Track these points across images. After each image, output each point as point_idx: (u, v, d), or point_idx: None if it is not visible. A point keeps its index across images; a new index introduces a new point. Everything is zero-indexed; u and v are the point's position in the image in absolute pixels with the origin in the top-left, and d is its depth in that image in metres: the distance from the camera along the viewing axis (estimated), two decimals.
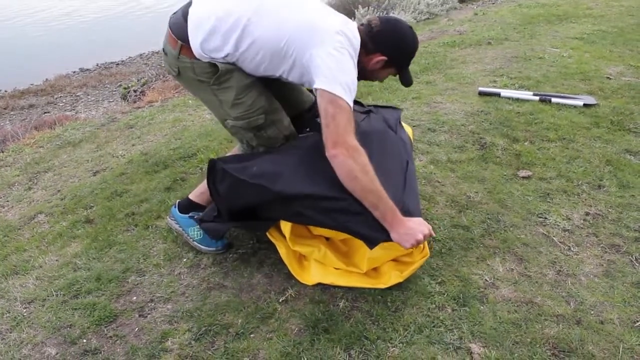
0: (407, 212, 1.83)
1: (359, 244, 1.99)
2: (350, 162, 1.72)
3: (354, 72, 1.81)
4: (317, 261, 2.02)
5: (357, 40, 1.87)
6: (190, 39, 1.92)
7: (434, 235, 1.94)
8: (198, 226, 2.27)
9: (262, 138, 2.08)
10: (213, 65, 1.93)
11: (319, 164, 1.88)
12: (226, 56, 1.90)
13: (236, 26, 1.85)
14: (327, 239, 2.12)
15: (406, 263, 1.99)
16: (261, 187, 1.89)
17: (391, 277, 1.95)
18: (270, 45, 1.86)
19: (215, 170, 2.04)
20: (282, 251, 2.03)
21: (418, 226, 1.79)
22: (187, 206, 2.33)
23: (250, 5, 1.87)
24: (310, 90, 2.51)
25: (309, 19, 1.85)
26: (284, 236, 2.02)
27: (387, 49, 1.94)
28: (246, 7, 1.87)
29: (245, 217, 2.06)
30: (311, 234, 2.11)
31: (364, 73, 1.96)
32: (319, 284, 1.99)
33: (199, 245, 2.28)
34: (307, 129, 2.21)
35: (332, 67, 1.76)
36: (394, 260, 2.01)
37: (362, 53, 1.90)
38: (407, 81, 2.10)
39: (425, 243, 2.00)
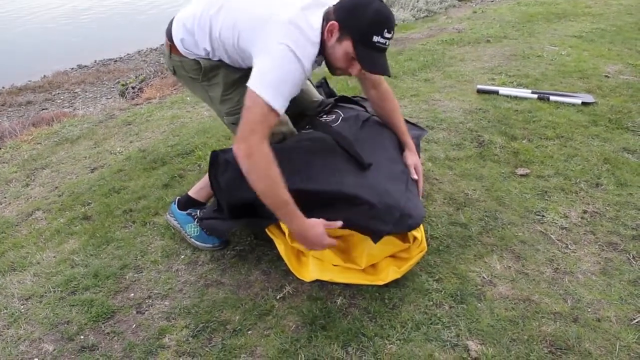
0: (410, 217, 1.86)
1: (357, 241, 1.99)
2: (248, 162, 1.66)
3: (290, 69, 1.66)
4: (315, 257, 2.02)
5: (312, 28, 1.70)
6: (173, 37, 1.96)
7: (333, 244, 1.84)
8: (195, 223, 2.27)
9: None
10: (198, 62, 1.94)
11: (319, 159, 1.90)
12: (207, 54, 1.91)
13: (205, 25, 1.85)
14: None
15: (404, 259, 2.00)
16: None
17: (389, 273, 1.95)
18: (230, 43, 1.83)
19: (218, 162, 2.04)
20: (280, 247, 2.03)
21: (315, 238, 1.78)
22: (186, 203, 2.33)
23: (217, 2, 1.84)
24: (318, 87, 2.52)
25: (261, 13, 1.72)
26: (282, 232, 2.01)
27: (339, 12, 1.70)
28: (213, 4, 1.85)
29: (246, 213, 2.04)
30: None
31: (327, 56, 1.78)
32: (317, 280, 1.99)
33: (196, 242, 2.28)
34: (308, 126, 2.21)
35: (261, 62, 1.68)
36: (392, 256, 2.01)
37: (325, 29, 1.71)
38: (367, 63, 1.74)
39: (423, 238, 2.00)
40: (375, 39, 1.67)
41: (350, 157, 1.97)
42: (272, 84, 1.65)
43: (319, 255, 2.02)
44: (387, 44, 1.71)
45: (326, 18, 1.72)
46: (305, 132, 2.18)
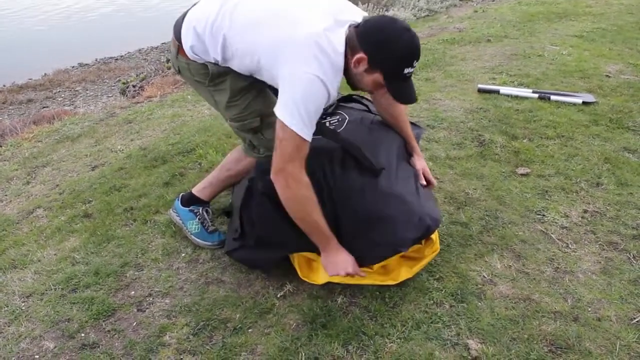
0: (434, 221, 1.89)
1: None
2: (287, 191, 1.72)
3: (318, 98, 1.64)
4: None
5: (337, 52, 1.65)
6: (182, 41, 1.90)
7: (360, 274, 1.86)
8: (197, 219, 2.28)
9: (261, 140, 2.05)
10: (206, 67, 1.90)
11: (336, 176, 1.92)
12: (216, 62, 1.87)
13: (217, 37, 1.79)
14: None
15: (415, 258, 2.00)
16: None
17: (401, 272, 1.95)
18: (247, 61, 1.79)
19: (254, 193, 1.99)
20: (291, 256, 2.03)
21: (343, 263, 1.83)
22: (189, 199, 2.33)
23: (228, 14, 1.78)
24: None
25: (283, 33, 1.67)
26: None
27: (368, 46, 1.65)
28: (225, 14, 1.78)
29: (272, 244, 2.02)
30: None
31: (350, 77, 1.76)
32: None
33: (196, 239, 2.28)
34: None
35: (288, 91, 1.65)
36: (403, 256, 2.00)
37: (349, 54, 1.68)
38: (399, 95, 1.78)
39: (437, 238, 2.01)
40: (406, 70, 1.67)
41: (362, 167, 1.94)
42: (303, 116, 1.63)
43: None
44: (411, 73, 1.70)
45: (350, 44, 1.67)
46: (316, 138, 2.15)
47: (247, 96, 1.95)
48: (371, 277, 1.97)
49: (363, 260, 1.89)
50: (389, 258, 1.91)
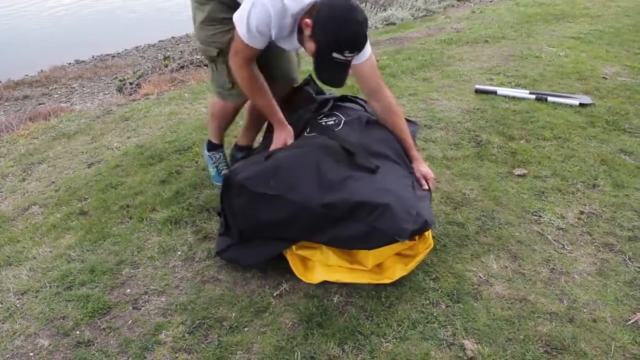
0: (430, 218, 1.89)
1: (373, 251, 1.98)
2: (234, 72, 2.11)
3: (259, 16, 1.88)
4: (321, 262, 2.01)
5: (302, 2, 1.85)
6: None
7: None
8: (212, 163, 2.66)
9: (214, 73, 2.36)
10: None
11: (332, 167, 1.93)
12: None
13: None
14: None
15: (409, 256, 2.00)
16: (279, 199, 1.90)
17: (396, 270, 1.95)
18: None
19: (231, 185, 2.02)
20: (286, 255, 2.03)
21: (281, 139, 2.18)
22: (208, 145, 2.67)
23: None
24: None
25: None
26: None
27: (317, 16, 1.81)
28: None
29: (257, 235, 2.04)
30: None
31: (299, 35, 1.95)
32: None
33: (213, 181, 2.68)
34: (309, 130, 2.21)
35: (243, 7, 1.92)
36: (397, 254, 2.01)
37: (306, 15, 1.85)
38: (318, 73, 1.92)
39: (429, 234, 2.00)
40: (335, 55, 1.80)
41: (357, 164, 1.96)
42: (247, 26, 1.91)
43: (324, 260, 2.00)
44: (347, 60, 1.83)
45: (311, 9, 1.85)
46: (308, 135, 2.18)
47: (218, 27, 2.21)
48: (367, 276, 1.97)
49: (358, 244, 1.90)
50: (382, 248, 1.92)
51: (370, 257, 1.96)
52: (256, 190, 1.94)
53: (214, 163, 2.65)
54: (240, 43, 1.99)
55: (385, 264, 1.99)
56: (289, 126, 2.22)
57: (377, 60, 4.52)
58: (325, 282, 1.98)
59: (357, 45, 1.83)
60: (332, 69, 1.87)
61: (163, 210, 2.54)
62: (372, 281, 1.96)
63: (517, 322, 1.79)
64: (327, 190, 1.88)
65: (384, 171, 1.97)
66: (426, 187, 2.06)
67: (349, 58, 1.83)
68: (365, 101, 2.36)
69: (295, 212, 1.89)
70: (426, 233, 1.98)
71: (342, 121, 2.19)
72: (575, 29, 5.25)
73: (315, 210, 1.86)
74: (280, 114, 2.22)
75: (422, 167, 2.13)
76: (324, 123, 2.21)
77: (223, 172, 2.60)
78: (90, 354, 1.78)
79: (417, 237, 1.97)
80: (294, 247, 2.00)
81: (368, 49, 2.05)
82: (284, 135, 2.20)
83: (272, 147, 2.17)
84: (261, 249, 2.05)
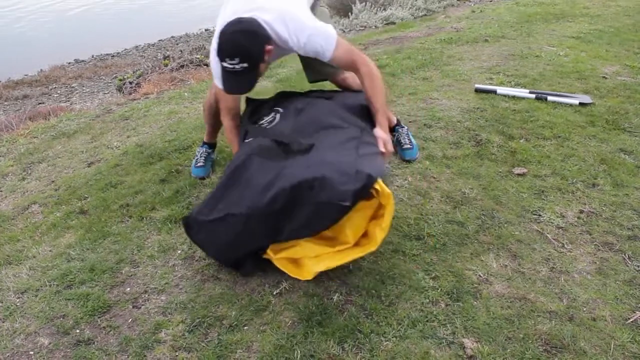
0: (375, 170, 1.88)
1: (348, 225, 1.99)
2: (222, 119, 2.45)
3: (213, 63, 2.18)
4: (308, 257, 2.02)
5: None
6: None
7: None
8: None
9: None
10: None
11: (267, 166, 1.98)
12: None
13: None
14: None
15: (381, 215, 1.96)
16: (229, 216, 1.95)
17: (376, 235, 1.94)
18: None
19: (190, 226, 2.09)
20: (274, 261, 2.04)
21: None
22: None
23: None
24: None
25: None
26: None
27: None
28: None
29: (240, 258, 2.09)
30: None
31: None
32: (314, 276, 2.00)
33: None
34: (247, 137, 2.27)
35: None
36: (373, 219, 1.99)
37: None
38: (218, 76, 2.16)
39: (382, 185, 1.91)
40: (222, 64, 2.00)
41: (291, 150, 2.03)
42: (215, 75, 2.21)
43: (308, 253, 2.01)
44: (234, 68, 1.98)
45: None
46: (246, 142, 2.21)
47: None
48: (353, 252, 1.97)
49: (316, 226, 1.93)
50: (355, 219, 1.94)
51: (348, 232, 1.98)
52: (209, 218, 1.99)
53: (194, 156, 2.90)
54: (219, 90, 2.23)
55: (367, 233, 2.00)
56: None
57: (377, 60, 4.53)
58: (324, 281, 1.99)
59: (233, 53, 1.97)
60: (227, 78, 2.05)
61: (163, 209, 2.54)
62: (360, 254, 1.96)
63: (516, 320, 1.79)
64: (266, 189, 1.90)
65: (323, 143, 2.01)
66: (383, 149, 2.08)
67: (235, 67, 1.98)
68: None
69: (246, 222, 1.93)
70: (378, 187, 1.90)
71: (279, 114, 2.27)
72: (575, 29, 5.25)
73: (262, 211, 1.89)
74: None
75: (378, 132, 2.15)
76: (259, 125, 2.28)
77: (198, 164, 2.84)
78: (90, 352, 1.78)
79: (375, 193, 1.92)
80: (272, 253, 2.01)
81: (327, 49, 2.14)
82: None
83: None
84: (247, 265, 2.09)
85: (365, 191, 1.85)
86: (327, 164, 1.89)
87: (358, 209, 1.92)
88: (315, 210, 1.86)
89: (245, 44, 1.99)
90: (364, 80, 2.23)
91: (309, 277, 1.98)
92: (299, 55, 2.45)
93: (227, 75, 2.03)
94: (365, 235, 2.01)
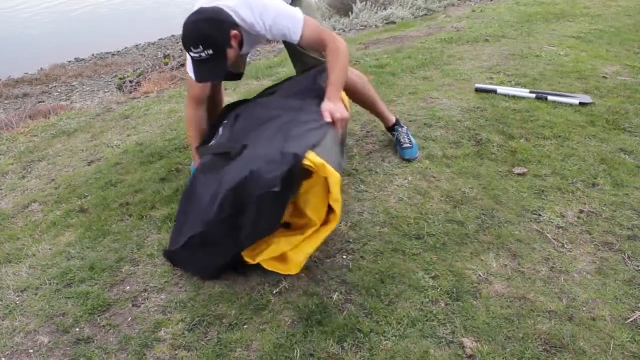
0: (301, 148, 1.88)
1: (296, 210, 2.05)
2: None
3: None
4: (290, 251, 2.03)
5: None
6: None
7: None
8: None
9: None
10: None
11: (209, 180, 2.02)
12: None
13: None
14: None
15: (327, 182, 1.96)
16: (193, 238, 1.99)
17: (335, 209, 1.96)
18: None
19: (170, 259, 2.16)
20: (262, 264, 2.05)
21: None
22: None
23: None
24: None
25: None
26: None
27: None
28: None
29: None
30: None
31: None
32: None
33: None
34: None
35: None
36: (328, 192, 1.97)
37: None
38: (190, 67, 2.24)
39: (312, 157, 1.91)
40: (189, 54, 2.06)
41: (229, 157, 2.05)
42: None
43: (285, 247, 2.02)
44: (201, 57, 2.03)
45: None
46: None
47: None
48: (324, 230, 2.01)
49: (264, 222, 1.95)
50: (311, 198, 1.98)
51: (311, 215, 2.01)
52: (179, 245, 2.05)
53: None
54: (190, 79, 2.28)
55: (324, 208, 2.02)
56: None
57: (377, 59, 4.53)
58: (324, 280, 2.00)
59: (193, 42, 2.02)
60: (196, 67, 2.11)
61: (163, 208, 2.54)
62: (330, 229, 1.98)
63: (516, 320, 1.79)
64: (213, 200, 1.93)
65: (257, 140, 2.05)
66: (329, 119, 2.08)
67: (201, 54, 2.02)
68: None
69: (206, 238, 1.98)
70: (308, 161, 1.89)
71: (221, 128, 2.29)
72: (576, 28, 5.25)
73: (215, 222, 1.93)
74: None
75: (325, 104, 2.14)
76: (208, 144, 2.31)
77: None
78: (90, 350, 1.78)
79: (315, 170, 1.91)
80: (249, 259, 2.02)
81: (294, 32, 2.15)
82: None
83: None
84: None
85: (295, 171, 1.87)
86: (257, 158, 1.93)
87: (308, 190, 1.97)
88: (258, 205, 1.88)
89: (207, 31, 2.02)
90: (328, 55, 2.23)
91: (297, 270, 1.99)
92: (286, 48, 2.52)
93: (196, 64, 2.08)
94: (328, 213, 2.02)
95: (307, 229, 2.03)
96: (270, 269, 2.04)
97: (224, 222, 1.93)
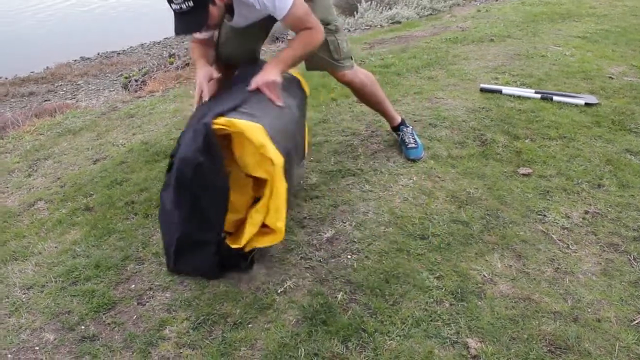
0: (205, 125, 1.93)
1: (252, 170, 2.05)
2: None
3: None
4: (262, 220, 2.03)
5: None
6: None
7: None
8: None
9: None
10: None
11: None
12: None
13: None
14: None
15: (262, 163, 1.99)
16: (176, 252, 2.07)
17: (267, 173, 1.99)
18: None
19: (177, 272, 2.16)
20: (254, 244, 2.05)
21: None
22: None
23: None
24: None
25: None
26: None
27: None
28: None
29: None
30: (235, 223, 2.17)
31: None
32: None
33: None
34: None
35: None
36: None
37: None
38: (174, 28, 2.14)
39: (236, 122, 1.97)
40: (170, 4, 1.99)
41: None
42: None
43: (260, 219, 2.01)
44: (181, 9, 1.98)
45: None
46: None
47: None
48: (279, 187, 1.98)
49: (219, 198, 1.99)
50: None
51: (257, 172, 2.00)
52: (173, 261, 2.11)
53: None
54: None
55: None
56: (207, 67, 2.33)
57: (382, 59, 4.53)
58: (328, 279, 2.01)
59: None
60: (176, 20, 2.04)
61: None
62: (279, 175, 1.97)
63: (521, 321, 1.79)
64: (173, 205, 2.04)
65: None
66: (252, 87, 2.12)
67: (182, 6, 1.97)
68: None
69: (184, 239, 2.04)
70: (218, 122, 1.94)
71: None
72: (582, 29, 5.24)
73: (181, 220, 2.02)
74: (202, 58, 2.37)
75: (258, 77, 2.15)
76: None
77: None
78: (95, 348, 1.79)
79: (228, 130, 1.96)
80: (235, 245, 2.03)
81: (281, 7, 2.10)
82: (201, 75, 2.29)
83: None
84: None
85: (210, 139, 1.91)
86: (184, 144, 1.99)
87: (242, 155, 2.01)
88: (197, 187, 1.96)
89: None
90: (298, 36, 2.22)
91: (282, 234, 2.00)
92: None
93: (176, 17, 2.04)
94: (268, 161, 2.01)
95: (264, 188, 2.01)
96: (261, 245, 2.04)
97: (191, 217, 1.99)
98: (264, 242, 2.05)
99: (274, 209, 1.98)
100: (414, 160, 2.77)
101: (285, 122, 2.17)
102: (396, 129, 2.91)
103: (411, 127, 2.92)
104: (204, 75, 2.27)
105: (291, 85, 2.39)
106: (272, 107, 2.11)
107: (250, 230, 2.01)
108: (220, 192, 1.98)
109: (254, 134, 1.91)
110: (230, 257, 2.05)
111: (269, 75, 2.14)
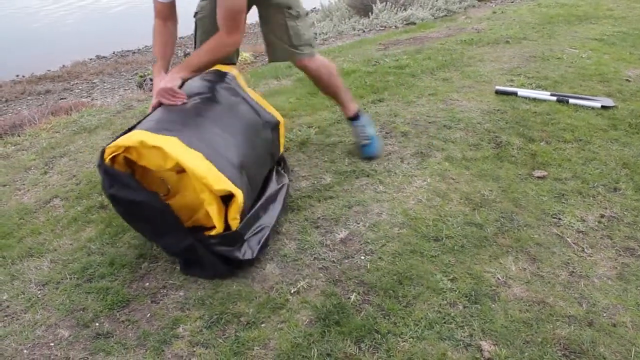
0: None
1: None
2: None
3: None
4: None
5: None
6: None
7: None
8: None
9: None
10: None
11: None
12: None
13: None
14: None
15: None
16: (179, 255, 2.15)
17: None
18: None
19: (192, 274, 2.16)
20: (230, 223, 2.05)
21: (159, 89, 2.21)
22: None
23: None
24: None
25: None
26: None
27: None
28: None
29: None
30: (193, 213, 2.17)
31: None
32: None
33: None
34: None
35: None
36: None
37: None
38: None
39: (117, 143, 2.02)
40: None
41: None
42: None
43: (213, 198, 2.00)
44: None
45: None
46: None
47: None
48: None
49: (164, 217, 2.01)
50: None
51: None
52: (182, 266, 2.15)
53: None
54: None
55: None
56: (163, 76, 2.28)
57: (397, 60, 4.51)
58: (342, 280, 2.00)
59: None
60: None
61: None
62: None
63: (535, 324, 1.78)
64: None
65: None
66: (154, 101, 2.22)
67: None
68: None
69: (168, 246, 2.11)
70: (111, 145, 2.00)
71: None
72: (598, 31, 5.19)
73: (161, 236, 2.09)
74: (160, 64, 2.38)
75: (159, 87, 2.21)
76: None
77: None
78: (109, 345, 1.80)
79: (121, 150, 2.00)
80: (212, 231, 2.03)
81: None
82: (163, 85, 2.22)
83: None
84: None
85: (108, 171, 1.98)
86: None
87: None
88: (134, 211, 2.04)
89: None
90: (212, 39, 2.25)
91: (236, 189, 1.98)
92: (263, 35, 2.61)
93: None
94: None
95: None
96: (234, 213, 2.03)
97: (162, 233, 2.06)
98: (233, 210, 2.02)
99: (204, 177, 1.92)
100: (369, 159, 2.77)
101: (189, 112, 2.19)
102: (351, 119, 2.90)
103: (363, 118, 2.89)
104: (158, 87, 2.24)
105: (240, 107, 2.39)
106: (177, 109, 2.18)
107: (212, 210, 2.00)
108: (151, 204, 1.98)
109: (130, 140, 1.97)
110: (222, 245, 2.05)
111: (165, 83, 2.19)
